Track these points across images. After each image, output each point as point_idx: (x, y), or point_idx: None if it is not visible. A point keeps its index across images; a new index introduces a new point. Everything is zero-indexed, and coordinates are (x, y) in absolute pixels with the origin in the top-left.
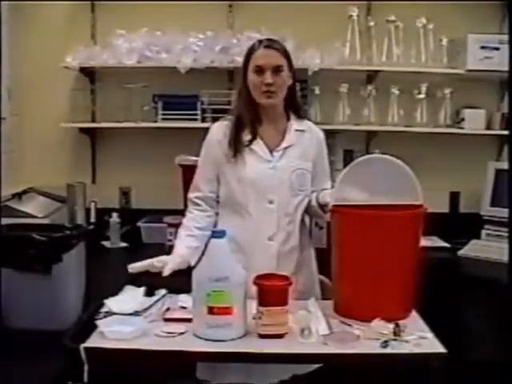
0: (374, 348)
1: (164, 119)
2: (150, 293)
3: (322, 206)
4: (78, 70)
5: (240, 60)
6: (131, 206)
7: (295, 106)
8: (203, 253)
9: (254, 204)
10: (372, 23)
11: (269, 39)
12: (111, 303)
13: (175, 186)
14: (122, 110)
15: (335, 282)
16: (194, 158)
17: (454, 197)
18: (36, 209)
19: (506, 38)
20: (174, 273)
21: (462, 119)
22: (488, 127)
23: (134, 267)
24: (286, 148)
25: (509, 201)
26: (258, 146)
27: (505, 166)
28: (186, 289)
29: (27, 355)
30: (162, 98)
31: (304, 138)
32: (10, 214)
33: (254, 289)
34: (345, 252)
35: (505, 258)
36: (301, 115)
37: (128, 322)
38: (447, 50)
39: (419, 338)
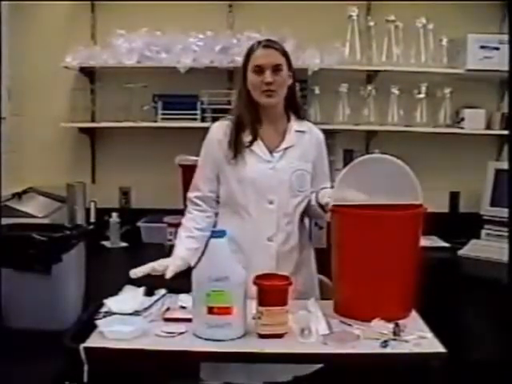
0: (374, 348)
1: (164, 119)
2: (149, 293)
3: (322, 206)
4: (78, 70)
5: (240, 60)
6: (131, 205)
7: (295, 107)
8: (203, 253)
9: (253, 204)
10: (372, 23)
11: (268, 39)
12: (111, 303)
13: (175, 185)
14: (121, 109)
15: (335, 282)
16: (194, 158)
17: (454, 197)
18: (36, 209)
19: (506, 37)
20: (175, 274)
21: (462, 119)
22: (488, 127)
23: (136, 272)
24: (285, 149)
25: (509, 201)
26: (258, 146)
27: (505, 165)
28: (186, 289)
29: (27, 355)
30: (161, 98)
31: (304, 138)
32: (10, 213)
33: (253, 289)
34: (345, 252)
35: (505, 258)
36: (301, 115)
37: (128, 321)
38: (447, 50)
39: (419, 337)
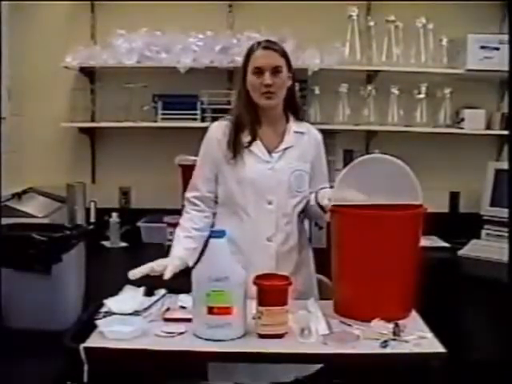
0: (374, 348)
1: (164, 119)
2: (149, 293)
3: (322, 207)
4: (78, 70)
5: (240, 60)
6: (131, 205)
7: (294, 108)
8: (201, 253)
9: (252, 205)
10: (372, 23)
11: (267, 40)
12: (111, 303)
13: (175, 185)
14: (121, 109)
15: (335, 282)
16: (194, 158)
17: (454, 197)
18: (36, 209)
19: (506, 37)
20: (174, 274)
21: (462, 119)
22: (488, 127)
23: (135, 274)
24: (284, 149)
25: (509, 201)
26: (257, 147)
27: (505, 166)
28: (186, 289)
29: (27, 355)
30: (161, 98)
31: (303, 139)
32: (10, 213)
33: (253, 289)
34: (345, 252)
35: (505, 258)
36: (299, 116)
37: (128, 321)
38: (447, 50)
39: (419, 337)
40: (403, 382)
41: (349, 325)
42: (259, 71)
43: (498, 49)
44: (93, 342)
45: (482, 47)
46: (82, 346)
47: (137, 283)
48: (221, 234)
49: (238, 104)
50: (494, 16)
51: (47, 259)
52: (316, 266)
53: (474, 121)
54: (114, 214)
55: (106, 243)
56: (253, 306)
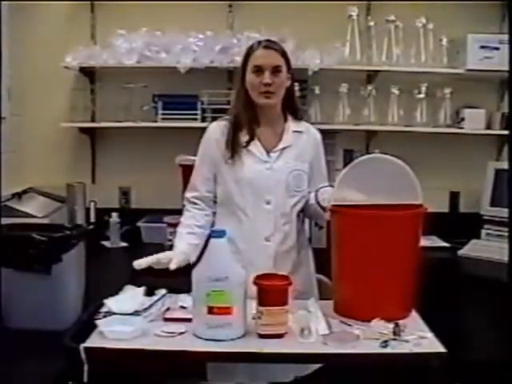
0: (374, 348)
1: (164, 119)
2: (149, 293)
3: (322, 205)
4: (78, 70)
5: (240, 60)
6: (131, 205)
7: (293, 107)
8: (202, 252)
9: (250, 205)
10: (372, 23)
11: (268, 40)
12: (111, 303)
13: (175, 185)
14: (121, 109)
15: (335, 282)
16: (194, 158)
17: (454, 196)
18: (36, 209)
19: (506, 37)
20: (174, 272)
21: (462, 119)
22: (488, 127)
23: (140, 263)
24: (283, 149)
25: (509, 201)
26: (255, 146)
27: (505, 165)
28: (186, 289)
29: (27, 355)
30: (161, 98)
31: (301, 139)
32: (10, 213)
33: (253, 289)
34: (345, 252)
35: (505, 258)
36: (298, 116)
37: (128, 321)
38: (447, 50)
39: (419, 337)
40: (403, 382)
41: (349, 325)
42: (259, 70)
43: (497, 49)
44: (93, 341)
45: (482, 47)
46: (82, 345)
47: (137, 283)
48: (221, 233)
49: (237, 103)
50: (494, 16)
51: (47, 259)
52: (316, 266)
53: (474, 121)
54: (114, 214)
55: (106, 243)
56: (253, 305)
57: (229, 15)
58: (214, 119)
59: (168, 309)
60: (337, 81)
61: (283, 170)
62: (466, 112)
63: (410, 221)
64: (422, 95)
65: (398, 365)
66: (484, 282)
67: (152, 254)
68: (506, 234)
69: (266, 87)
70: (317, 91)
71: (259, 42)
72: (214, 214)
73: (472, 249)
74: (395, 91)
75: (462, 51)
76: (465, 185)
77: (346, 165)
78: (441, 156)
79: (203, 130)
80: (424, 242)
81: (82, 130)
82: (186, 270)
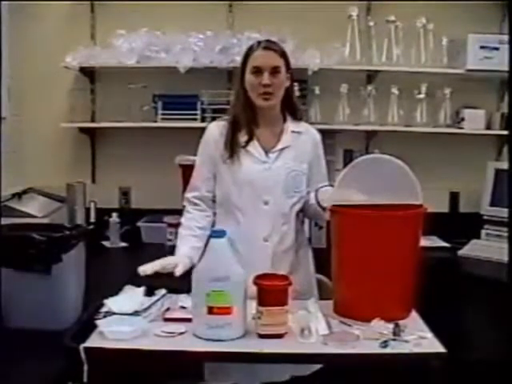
0: (374, 348)
1: (164, 119)
2: (149, 293)
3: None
4: (78, 70)
5: (240, 60)
6: (131, 205)
7: (292, 108)
8: (203, 252)
9: (249, 205)
10: (372, 23)
11: (267, 40)
12: (111, 303)
13: (175, 186)
14: (121, 109)
15: (335, 282)
16: (194, 158)
17: (454, 197)
18: (36, 209)
19: (506, 38)
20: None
21: (462, 119)
22: (488, 127)
23: (145, 270)
24: (281, 149)
25: (509, 201)
26: (254, 147)
27: (504, 165)
28: (186, 289)
29: (27, 355)
30: (161, 98)
31: (300, 139)
32: (10, 213)
33: (253, 289)
34: (345, 252)
35: (505, 258)
36: (297, 117)
37: (128, 321)
38: (447, 50)
39: (419, 337)
40: (403, 382)
41: (349, 325)
42: (258, 71)
43: (497, 49)
44: (93, 341)
45: (482, 47)
46: (81, 345)
47: (137, 283)
48: (221, 233)
49: (236, 104)
50: (494, 16)
51: (47, 259)
52: (316, 266)
53: (474, 121)
54: (114, 214)
55: (106, 243)
56: (253, 306)
57: (229, 15)
58: (213, 119)
59: (168, 309)
60: (337, 81)
61: (282, 171)
62: (466, 112)
63: (410, 221)
64: (421, 95)
65: (397, 365)
66: (484, 281)
67: (152, 254)
68: (506, 234)
69: (265, 88)
70: (317, 91)
71: (259, 43)
72: (215, 214)
73: (472, 249)
74: (395, 91)
75: (462, 51)
76: (465, 185)
77: (345, 165)
78: (441, 156)
79: (203, 130)
80: (424, 242)
81: (82, 130)
82: (186, 272)
